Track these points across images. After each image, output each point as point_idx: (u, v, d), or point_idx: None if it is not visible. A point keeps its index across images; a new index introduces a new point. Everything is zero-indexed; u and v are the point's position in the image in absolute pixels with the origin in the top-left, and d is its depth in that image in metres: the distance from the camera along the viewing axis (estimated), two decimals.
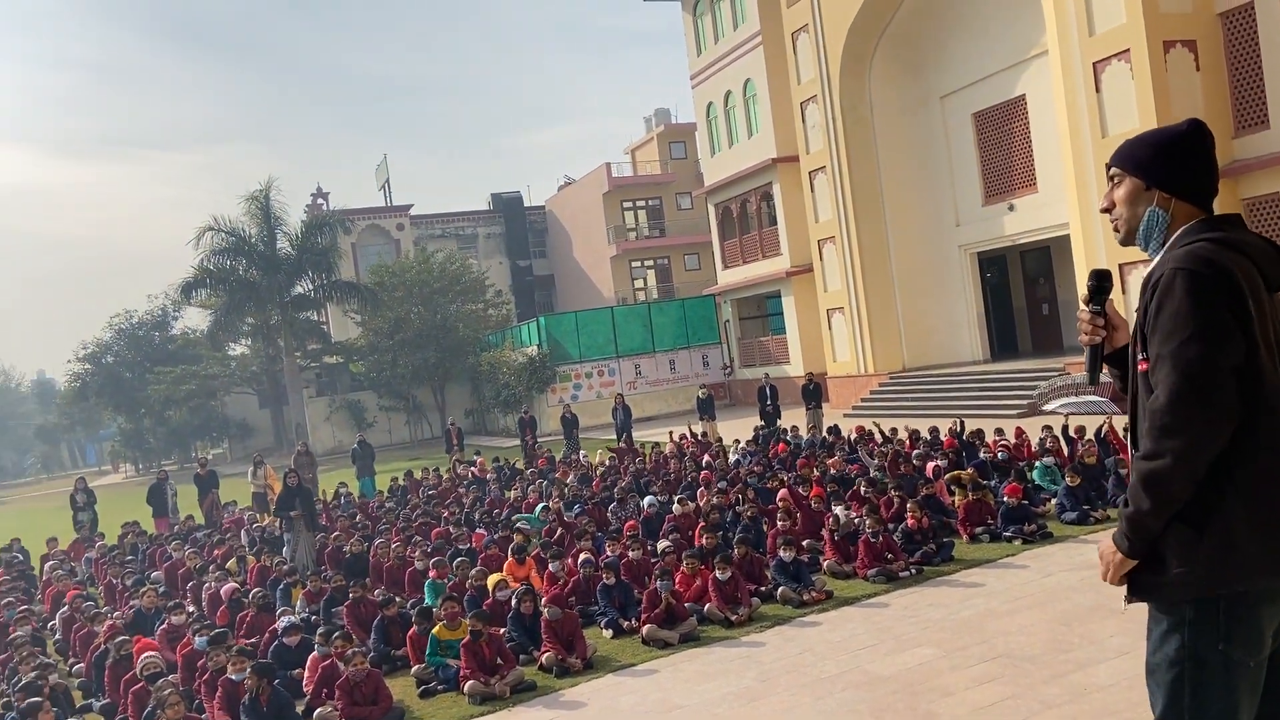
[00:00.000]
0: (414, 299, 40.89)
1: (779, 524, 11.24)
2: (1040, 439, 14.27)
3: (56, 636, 12.85)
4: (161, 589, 13.40)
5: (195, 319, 49.27)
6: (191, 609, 12.13)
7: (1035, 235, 24.68)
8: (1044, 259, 27.53)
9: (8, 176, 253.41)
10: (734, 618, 9.19)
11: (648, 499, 14.05)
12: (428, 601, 10.83)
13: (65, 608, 13.27)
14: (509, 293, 52.80)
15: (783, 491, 13.14)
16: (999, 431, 15.89)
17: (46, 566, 16.89)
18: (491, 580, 10.75)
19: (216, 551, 15.66)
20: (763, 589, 9.90)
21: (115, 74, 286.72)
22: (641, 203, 49.87)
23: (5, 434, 72.30)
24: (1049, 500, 12.10)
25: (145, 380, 44.26)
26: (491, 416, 40.72)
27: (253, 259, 37.38)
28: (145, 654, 9.41)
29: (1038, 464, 13.36)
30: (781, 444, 18.70)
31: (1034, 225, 24.44)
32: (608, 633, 9.52)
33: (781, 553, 10.17)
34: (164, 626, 10.94)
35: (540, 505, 15.53)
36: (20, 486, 51.06)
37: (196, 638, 9.87)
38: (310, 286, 39.42)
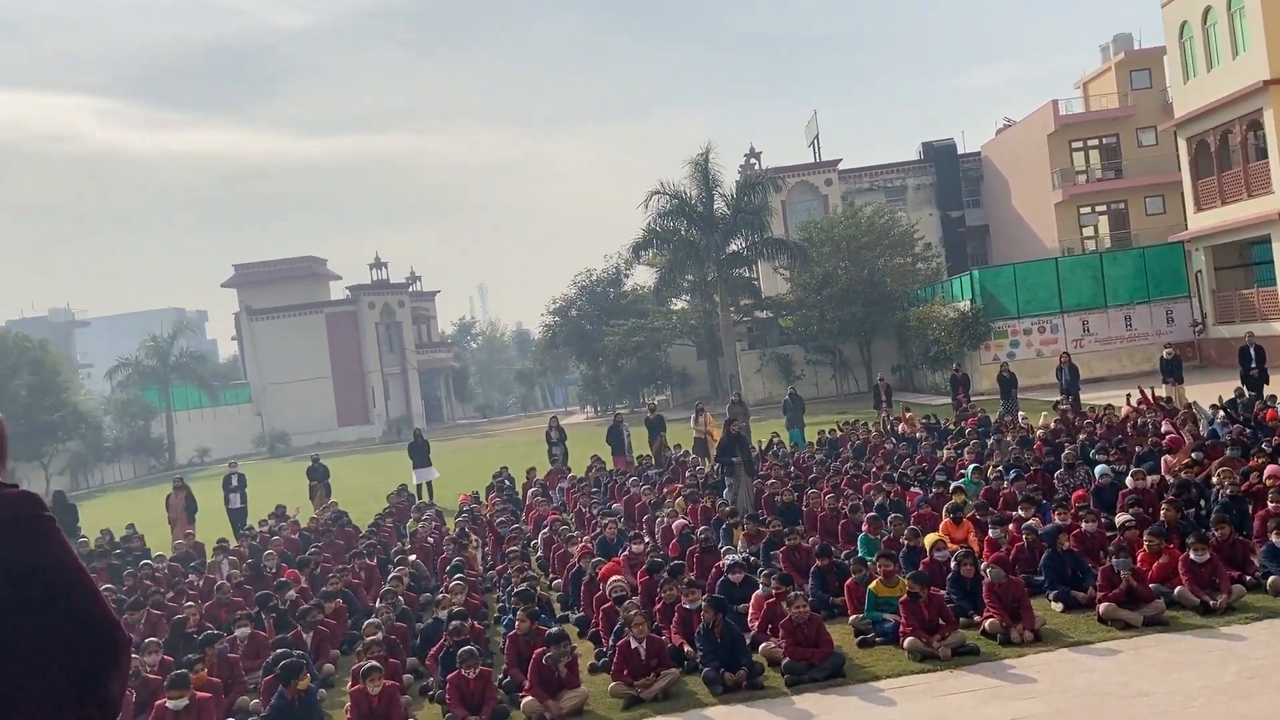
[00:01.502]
0: (841, 254, 40.97)
1: (1269, 504, 9.79)
2: None
3: (538, 554, 14.89)
4: (621, 520, 14.94)
5: (643, 276, 53.59)
6: (647, 539, 13.37)
7: None
8: None
9: (488, 155, 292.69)
10: (1214, 604, 8.20)
11: (1100, 468, 12.93)
12: (861, 554, 10.96)
13: (545, 529, 15.34)
14: (939, 245, 50.87)
15: (1272, 468, 11.39)
16: None
17: (529, 493, 19.58)
18: (928, 540, 10.59)
19: (666, 489, 17.07)
20: (1247, 577, 8.72)
21: (566, 54, 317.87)
22: (1094, 141, 45.22)
23: (491, 377, 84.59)
24: None
25: (602, 332, 49.24)
26: (919, 373, 39.79)
27: (692, 220, 39.75)
28: (612, 577, 10.58)
29: None
30: (1271, 411, 16.18)
31: None
32: (1057, 606, 8.98)
33: (1273, 538, 8.86)
34: (625, 553, 12.20)
35: (972, 466, 14.95)
36: (503, 422, 59.58)
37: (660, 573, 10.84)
38: (743, 244, 41.06)
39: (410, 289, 63.64)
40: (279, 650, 9.23)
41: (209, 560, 16.28)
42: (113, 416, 51.88)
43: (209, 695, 8.24)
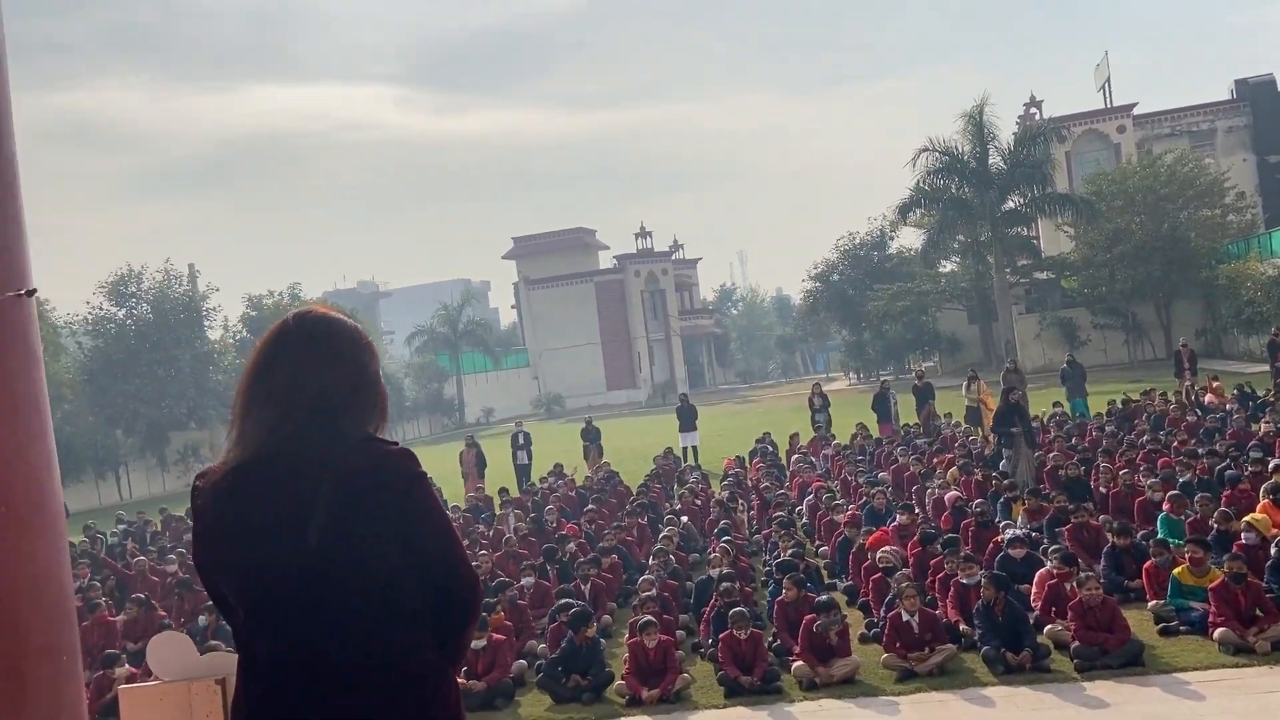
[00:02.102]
0: (1136, 208, 37.43)
1: None
2: None
3: (803, 521, 14.87)
4: (889, 489, 14.60)
5: (909, 238, 51.61)
6: (917, 510, 12.98)
7: None
8: None
9: (748, 120, 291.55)
10: None
11: None
12: (1160, 535, 10.08)
13: (810, 495, 15.28)
14: (1255, 195, 45.21)
15: None
16: None
17: (792, 459, 19.56)
18: (1247, 521, 9.55)
19: (936, 460, 16.47)
20: None
21: (827, 13, 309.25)
22: None
23: (752, 343, 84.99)
24: None
25: (865, 296, 48.01)
26: (1229, 338, 35.73)
27: (964, 177, 37.73)
28: (883, 548, 10.38)
29: None
30: None
31: None
32: None
33: None
34: (894, 523, 11.92)
35: None
36: (764, 388, 59.75)
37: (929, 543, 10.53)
38: (1021, 201, 38.53)
39: (673, 257, 65.01)
40: (563, 600, 9.84)
41: (498, 513, 17.58)
42: (411, 379, 57.04)
43: (503, 638, 8.94)
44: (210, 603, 11.07)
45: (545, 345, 61.73)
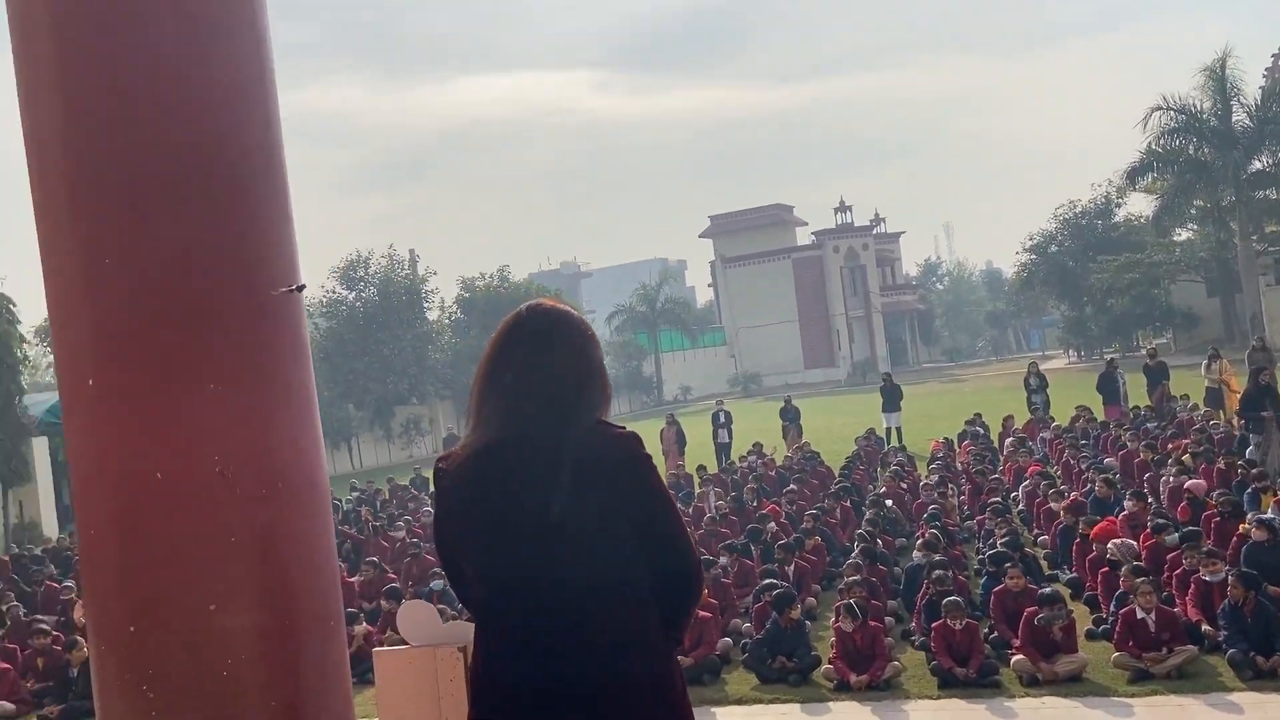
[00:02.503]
0: None
1: None
2: None
3: (1019, 507, 14.15)
4: (1115, 476, 13.66)
5: (1139, 205, 47.82)
6: (1150, 500, 12.08)
7: None
8: None
9: (954, 85, 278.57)
10: None
11: None
12: None
13: (1027, 481, 14.52)
14: None
15: None
16: None
17: (1006, 443, 18.64)
18: None
19: (1170, 445, 15.26)
20: None
21: None
22: None
23: (959, 319, 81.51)
24: None
25: (1087, 268, 44.95)
26: None
27: (1204, 136, 34.56)
28: (1112, 539, 9.73)
29: None
30: None
31: None
32: None
33: None
34: (1123, 513, 11.14)
35: None
36: (972, 366, 57.22)
37: (1163, 535, 9.78)
38: (1269, 162, 34.93)
39: (874, 231, 63.28)
40: (767, 580, 9.83)
41: (697, 491, 17.75)
42: (611, 357, 58.47)
43: (709, 615, 9.03)
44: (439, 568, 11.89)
45: (742, 323, 61.64)
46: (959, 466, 17.31)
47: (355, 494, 21.24)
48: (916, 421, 25.59)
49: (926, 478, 15.71)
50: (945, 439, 20.09)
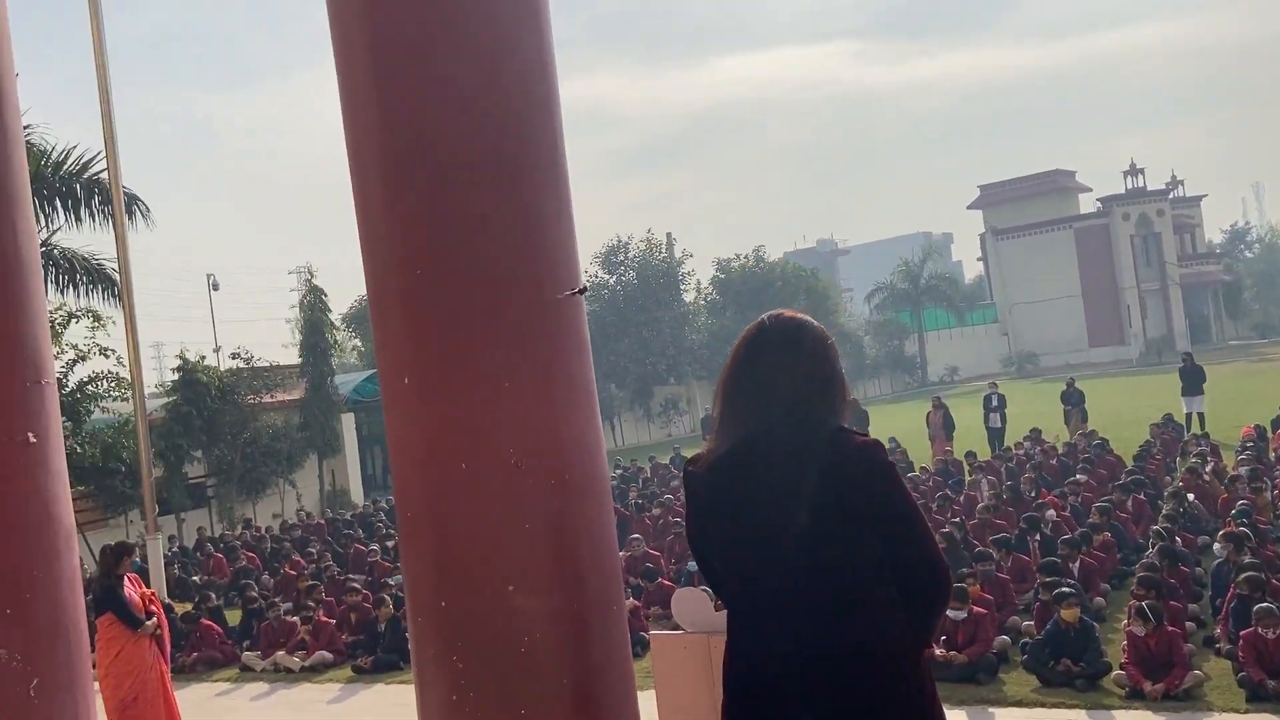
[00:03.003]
0: None
1: None
2: None
3: None
4: None
5: None
6: None
7: None
8: None
9: (1263, 27, 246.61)
10: None
11: None
12: None
13: None
14: None
15: None
16: None
17: None
18: None
19: None
20: None
21: None
22: None
23: (1272, 290, 72.44)
24: None
25: None
26: None
27: None
28: None
29: None
30: None
31: None
32: None
33: None
34: None
35: None
36: None
37: None
38: None
39: (1170, 195, 57.52)
40: (1049, 577, 9.26)
41: (967, 479, 16.99)
42: (871, 336, 56.99)
43: (984, 611, 8.65)
44: None
45: (1016, 299, 58.15)
46: (1272, 457, 15.47)
47: (619, 470, 22.07)
48: (1222, 406, 23.10)
49: (1234, 469, 14.15)
50: (1257, 426, 17.98)
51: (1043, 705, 7.66)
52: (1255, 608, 7.48)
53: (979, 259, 67.65)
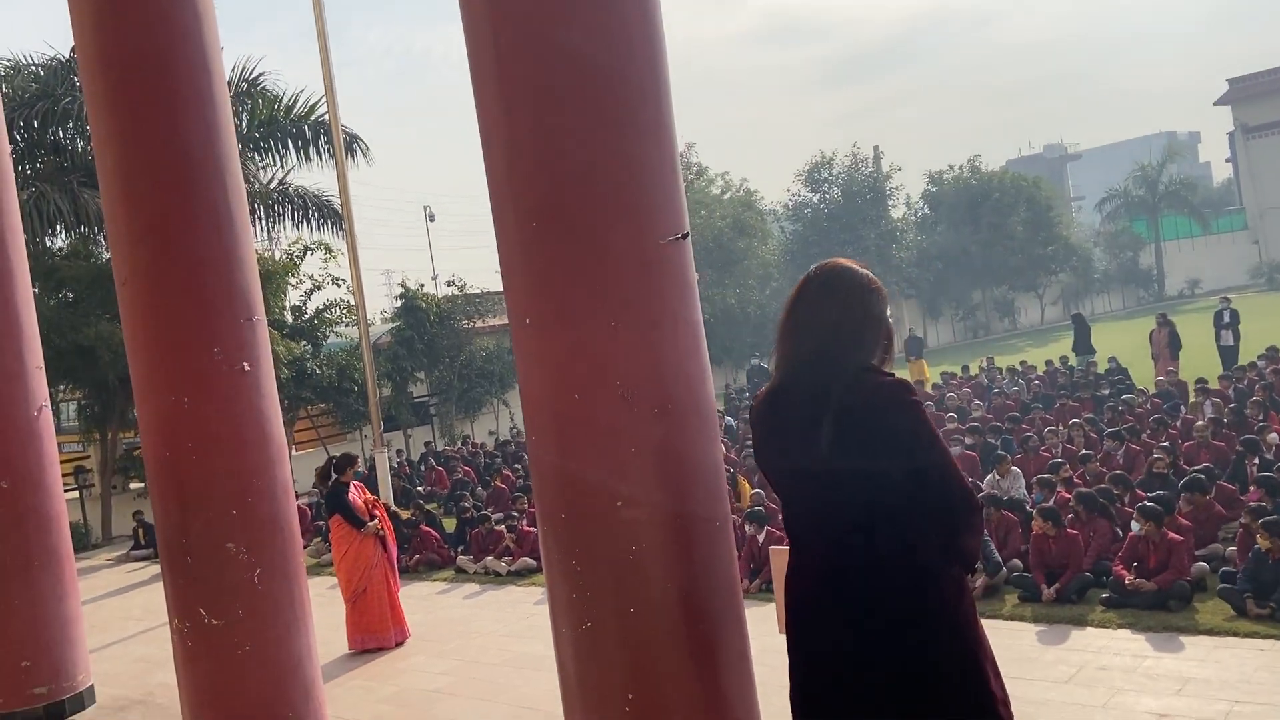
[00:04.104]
0: None
1: None
2: None
3: None
4: None
5: None
6: None
7: None
8: None
9: None
10: None
11: None
12: None
13: None
14: None
15: None
16: None
17: None
18: None
19: None
20: None
21: None
22: None
23: None
24: None
25: None
26: None
27: None
28: None
29: None
30: None
31: None
32: None
33: None
34: None
35: None
36: None
37: None
38: None
39: None
40: (1255, 504, 8.71)
41: (1190, 400, 15.90)
42: (1102, 248, 53.11)
43: (1179, 539, 8.29)
44: None
45: (1270, 203, 52.40)
46: None
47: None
48: None
49: None
50: None
51: (1235, 634, 7.33)
52: None
53: (1228, 160, 61.18)
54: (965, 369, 22.57)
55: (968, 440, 14.36)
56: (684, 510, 3.02)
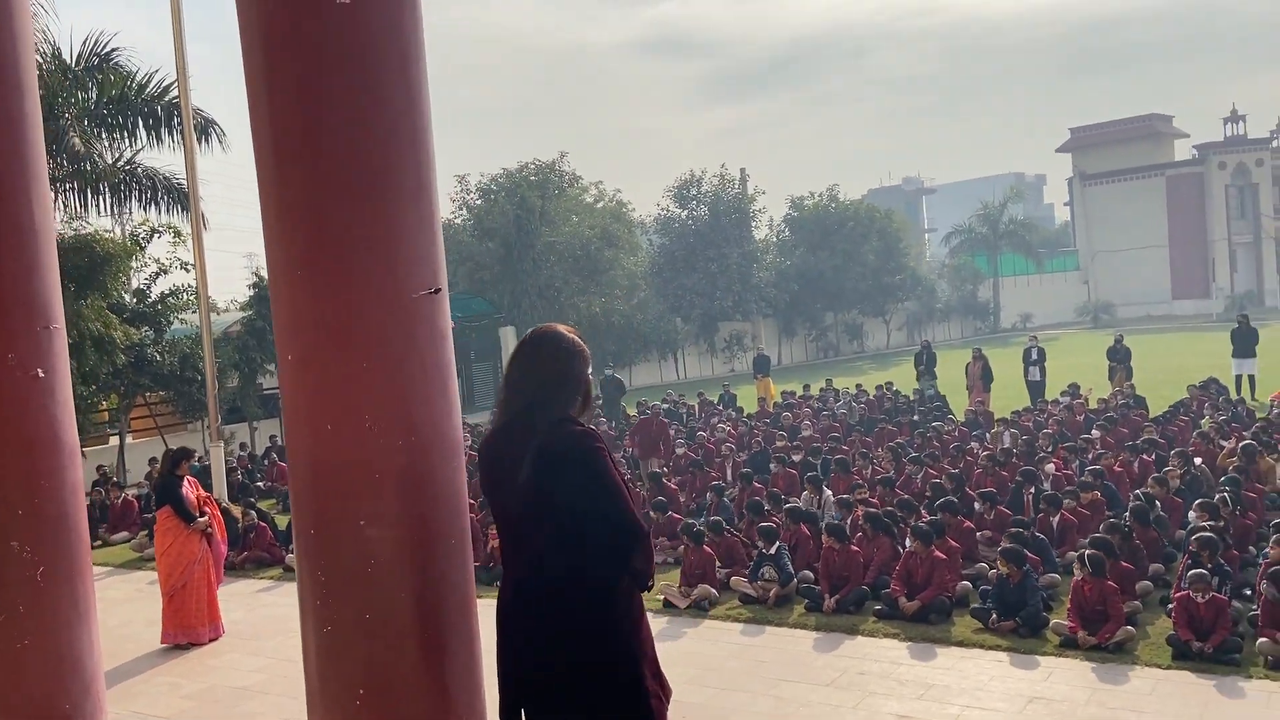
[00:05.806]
0: None
1: None
2: None
3: None
4: None
5: None
6: None
7: None
8: None
9: None
10: None
11: None
12: None
13: None
14: None
15: None
16: None
17: None
18: None
19: None
20: None
21: None
22: None
23: None
24: None
25: None
26: None
27: None
28: None
29: None
30: None
31: None
32: None
33: None
34: None
35: None
36: None
37: None
38: None
39: (1272, 144, 54.86)
40: (1013, 530, 9.76)
41: (993, 430, 17.28)
42: (945, 280, 56.21)
43: (944, 558, 9.21)
44: (714, 482, 13.09)
45: (1100, 247, 56.65)
46: None
47: (665, 405, 22.79)
48: (1276, 370, 22.68)
49: (1249, 437, 14.19)
50: None
51: (980, 646, 8.26)
52: (1189, 572, 7.89)
53: (1066, 204, 65.73)
54: (806, 388, 23.71)
55: (794, 458, 15.32)
56: (423, 528, 3.47)
